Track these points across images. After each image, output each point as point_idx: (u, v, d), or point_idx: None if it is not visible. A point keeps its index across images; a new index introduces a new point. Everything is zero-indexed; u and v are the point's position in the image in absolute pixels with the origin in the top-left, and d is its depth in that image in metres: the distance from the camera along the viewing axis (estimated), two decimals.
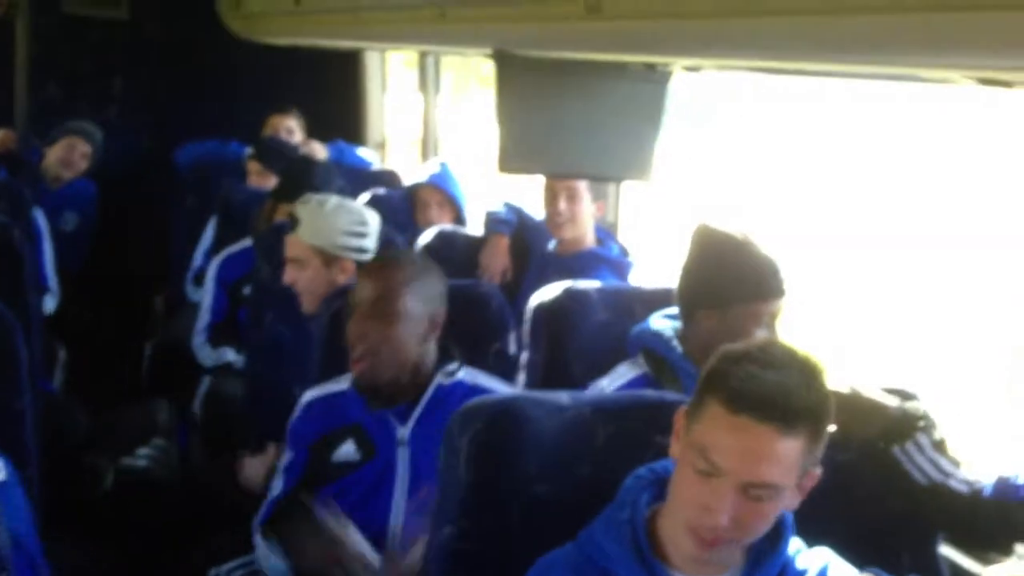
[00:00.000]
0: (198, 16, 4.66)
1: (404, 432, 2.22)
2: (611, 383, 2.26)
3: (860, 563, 1.94)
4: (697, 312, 2.17)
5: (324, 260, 2.82)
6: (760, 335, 2.07)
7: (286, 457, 2.30)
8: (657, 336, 2.24)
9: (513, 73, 2.31)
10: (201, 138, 4.78)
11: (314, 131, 4.64)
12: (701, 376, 1.52)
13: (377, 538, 2.18)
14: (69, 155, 4.61)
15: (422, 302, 2.23)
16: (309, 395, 2.31)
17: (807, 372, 1.45)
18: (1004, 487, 1.89)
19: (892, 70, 1.35)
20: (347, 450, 2.23)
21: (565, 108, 2.35)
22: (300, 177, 3.47)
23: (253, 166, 4.29)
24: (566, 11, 1.77)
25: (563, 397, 1.73)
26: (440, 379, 2.25)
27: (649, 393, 1.88)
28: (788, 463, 1.42)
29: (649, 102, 2.39)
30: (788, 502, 1.50)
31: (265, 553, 2.24)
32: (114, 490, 3.42)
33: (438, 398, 2.23)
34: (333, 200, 2.89)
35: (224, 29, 4.50)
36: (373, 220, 2.88)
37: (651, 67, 2.25)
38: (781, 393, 1.41)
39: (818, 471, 1.51)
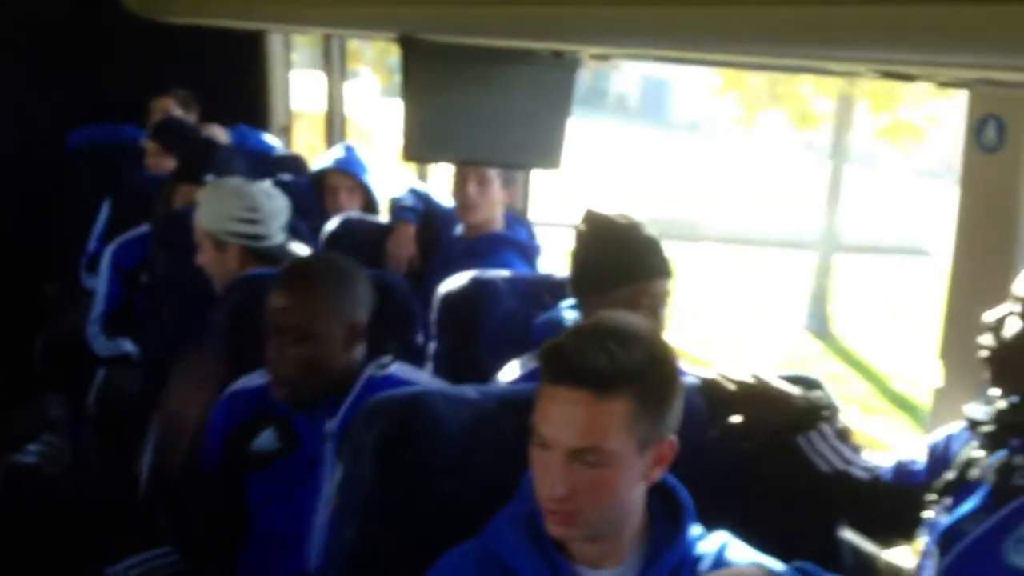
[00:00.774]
0: None
1: (331, 425, 2.15)
2: (510, 374, 2.25)
3: (764, 550, 1.97)
4: (587, 298, 2.19)
5: (215, 245, 2.74)
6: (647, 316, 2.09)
7: (204, 458, 2.23)
8: (556, 325, 2.23)
9: (420, 59, 2.27)
10: (96, 121, 4.60)
11: (215, 114, 4.50)
12: None
13: (300, 532, 2.12)
14: None
15: (344, 314, 2.14)
16: (235, 386, 2.23)
17: (628, 337, 1.45)
18: (902, 472, 1.93)
19: (799, 61, 1.35)
20: (266, 439, 2.16)
21: (472, 95, 2.32)
22: (202, 159, 3.36)
23: (151, 147, 4.14)
24: None
25: (469, 391, 1.71)
26: (371, 371, 2.19)
27: None
28: (613, 427, 1.42)
29: (557, 89, 2.38)
30: (641, 471, 1.48)
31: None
32: (3, 488, 3.28)
33: (368, 391, 2.13)
34: (230, 184, 2.80)
35: (120, 7, 4.33)
36: (270, 206, 2.78)
37: (559, 54, 2.23)
38: (593, 358, 1.42)
39: (672, 438, 1.51)
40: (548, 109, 2.45)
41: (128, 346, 3.41)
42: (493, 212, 3.14)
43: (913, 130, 9.40)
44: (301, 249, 2.85)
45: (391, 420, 1.61)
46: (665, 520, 1.57)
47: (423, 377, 2.28)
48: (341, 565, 1.62)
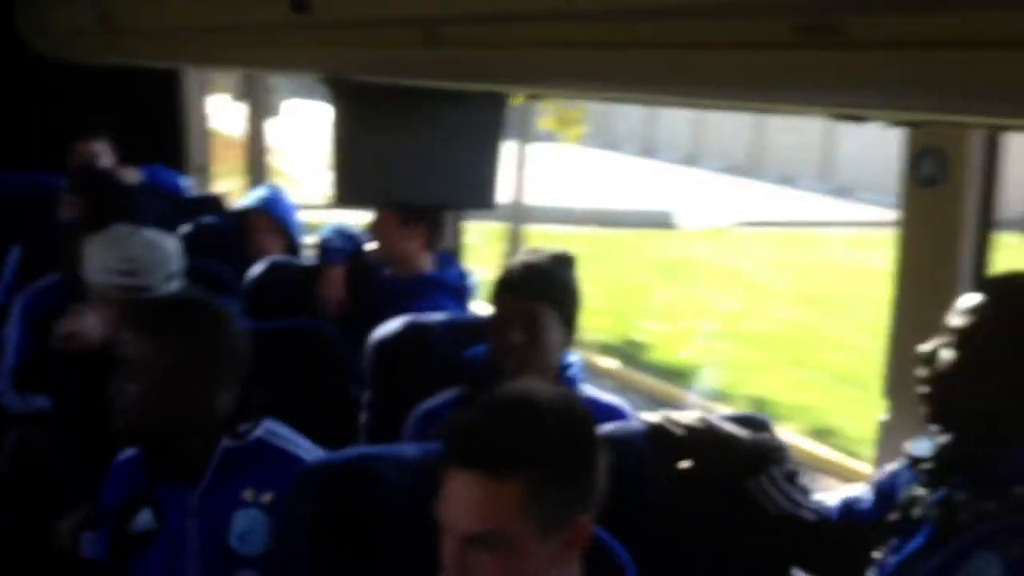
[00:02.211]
0: None
1: (193, 499, 1.98)
2: (429, 403, 2.24)
3: None
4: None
5: (99, 299, 2.62)
6: (517, 337, 2.11)
7: (92, 536, 2.10)
8: (475, 357, 2.25)
9: (348, 99, 2.21)
10: (3, 166, 4.42)
11: (129, 157, 4.36)
12: None
13: None
14: None
15: (206, 359, 1.96)
16: (121, 457, 2.08)
17: (530, 413, 1.39)
18: (849, 511, 1.92)
19: (750, 104, 1.32)
20: (145, 518, 2.01)
21: (402, 136, 2.27)
22: (106, 206, 3.23)
23: (69, 197, 3.99)
24: (405, 38, 1.68)
25: (407, 449, 1.64)
26: (226, 443, 1.98)
27: None
28: (506, 511, 1.35)
29: (486, 128, 2.34)
30: (547, 556, 1.39)
31: None
32: None
33: (227, 462, 1.98)
34: (110, 234, 2.67)
35: (27, 50, 4.19)
36: (150, 256, 2.63)
37: (488, 94, 2.19)
38: (487, 437, 1.36)
39: (584, 519, 1.42)
40: (478, 148, 2.42)
41: (41, 402, 3.25)
42: (398, 251, 3.07)
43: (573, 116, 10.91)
44: None
45: (330, 489, 1.52)
46: None
47: (296, 440, 2.05)
48: None
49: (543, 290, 2.16)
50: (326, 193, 2.34)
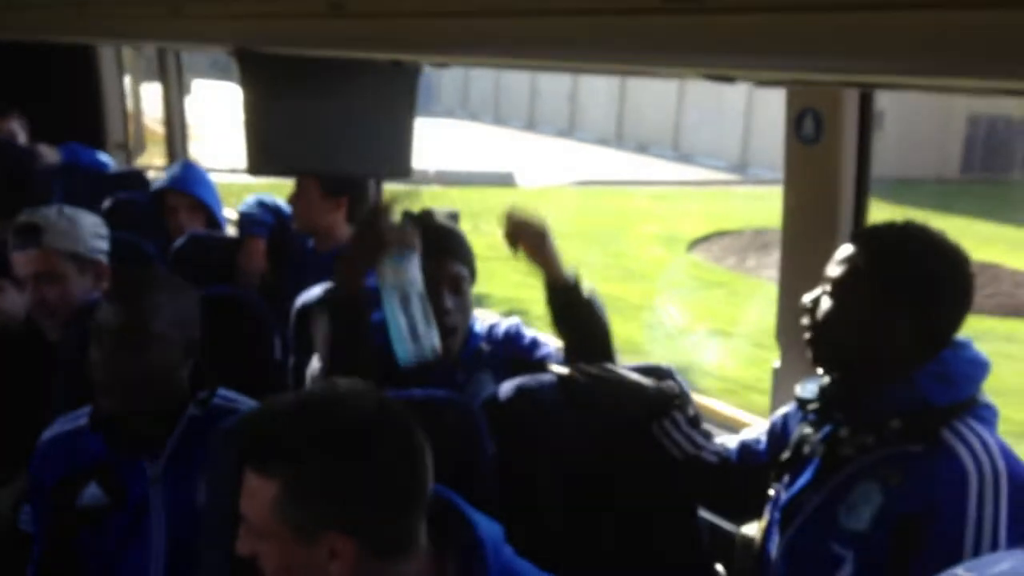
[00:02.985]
0: None
1: (155, 470, 2.03)
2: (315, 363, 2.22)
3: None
4: None
5: (79, 267, 2.62)
6: (449, 301, 2.11)
7: (32, 511, 2.10)
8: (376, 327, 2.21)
9: (257, 71, 2.24)
10: None
11: (47, 134, 4.30)
12: None
13: None
14: None
15: (177, 326, 2.02)
16: (48, 433, 2.09)
17: (298, 418, 1.36)
18: (746, 453, 2.02)
19: (628, 67, 1.40)
20: (92, 493, 2.03)
21: (314, 106, 2.30)
22: (16, 189, 3.21)
23: None
24: (308, 8, 1.73)
25: None
26: (192, 411, 2.04)
27: (416, 392, 1.86)
28: (260, 504, 1.35)
29: (398, 97, 2.38)
30: (314, 564, 1.35)
31: None
32: None
33: (192, 431, 2.03)
34: (34, 215, 2.68)
35: None
36: (78, 232, 2.65)
37: (398, 63, 2.24)
38: (258, 432, 1.37)
39: (343, 538, 1.34)
40: (391, 117, 2.45)
41: None
42: (320, 222, 3.10)
43: None
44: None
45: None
46: (464, 571, 1.42)
47: (247, 401, 2.13)
48: None
49: (463, 252, 2.18)
50: (238, 161, 2.36)
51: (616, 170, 19.01)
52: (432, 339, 1.99)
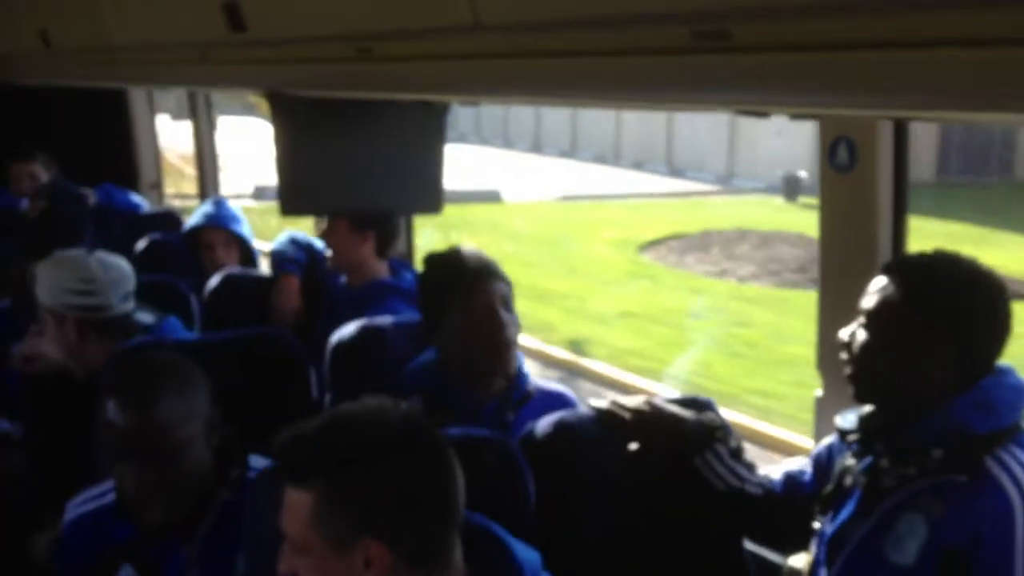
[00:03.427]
0: None
1: (191, 552, 1.98)
2: None
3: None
4: (440, 330, 2.21)
5: (56, 321, 2.64)
6: (509, 317, 2.15)
7: None
8: (427, 366, 2.26)
9: (289, 113, 2.26)
10: None
11: (79, 176, 4.36)
12: None
13: None
14: None
15: (191, 420, 1.97)
16: (74, 507, 2.06)
17: (341, 427, 1.40)
18: (791, 484, 2.00)
19: (661, 104, 1.40)
20: (125, 575, 2.00)
21: (344, 145, 2.32)
22: (46, 230, 3.26)
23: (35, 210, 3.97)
24: (337, 53, 1.74)
25: None
26: (225, 495, 1.99)
27: (452, 431, 1.84)
28: (299, 517, 1.39)
29: (426, 134, 2.39)
30: (344, 571, 1.38)
31: None
32: None
33: (225, 512, 1.99)
34: (65, 256, 2.70)
35: None
36: (106, 277, 2.66)
37: (427, 103, 2.25)
38: (291, 447, 1.40)
39: (377, 543, 1.38)
40: (420, 154, 2.47)
41: (5, 425, 3.26)
42: (352, 258, 3.12)
43: None
44: (146, 317, 2.73)
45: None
46: None
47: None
48: None
49: (502, 273, 2.24)
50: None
51: (609, 186, 20.07)
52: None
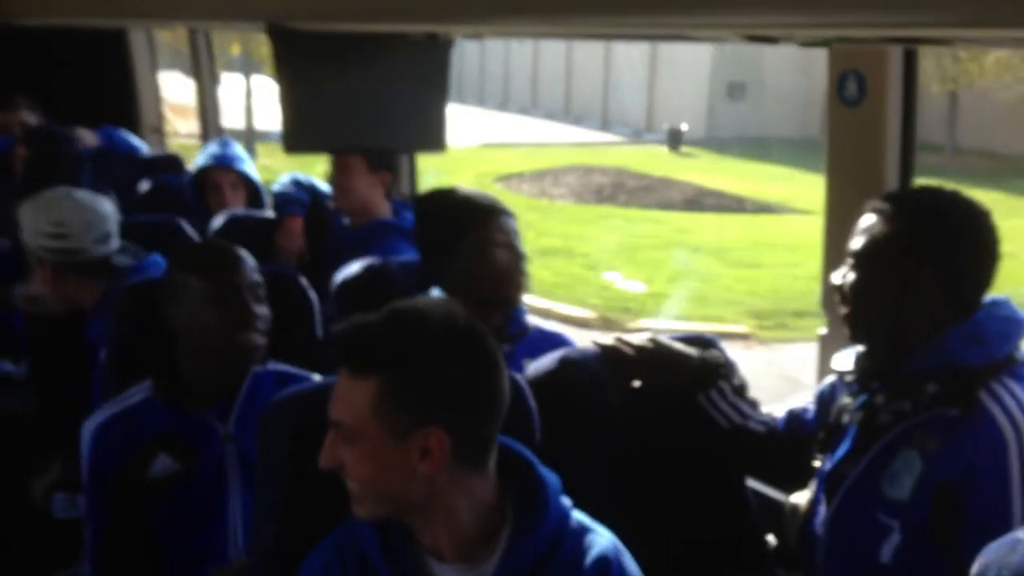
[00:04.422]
0: None
1: (227, 428, 2.11)
2: None
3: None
4: (444, 269, 2.22)
5: (37, 262, 2.67)
6: (502, 255, 2.17)
7: (87, 495, 2.12)
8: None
9: (291, 48, 2.23)
10: None
11: (80, 118, 4.33)
12: None
13: (221, 541, 2.08)
14: None
15: (242, 291, 2.12)
16: (96, 420, 2.12)
17: (403, 319, 1.43)
18: (794, 422, 2.01)
19: (666, 31, 1.38)
20: (163, 463, 2.08)
21: (347, 81, 2.30)
22: (44, 169, 3.25)
23: (22, 155, 3.96)
24: None
25: None
26: (256, 368, 2.14)
27: None
28: (358, 406, 1.40)
29: (432, 71, 2.37)
30: (404, 461, 1.41)
31: None
32: None
33: (254, 387, 2.12)
34: (41, 198, 2.68)
35: None
36: (80, 219, 2.66)
37: (432, 36, 2.22)
38: (354, 336, 1.42)
39: (437, 430, 1.41)
40: (425, 91, 2.44)
41: (8, 367, 3.28)
42: (364, 198, 3.11)
43: None
44: (123, 259, 2.73)
45: (300, 414, 1.60)
46: (524, 509, 1.48)
47: (295, 371, 2.22)
48: (266, 560, 1.61)
49: (506, 207, 2.27)
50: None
51: (528, 135, 23.01)
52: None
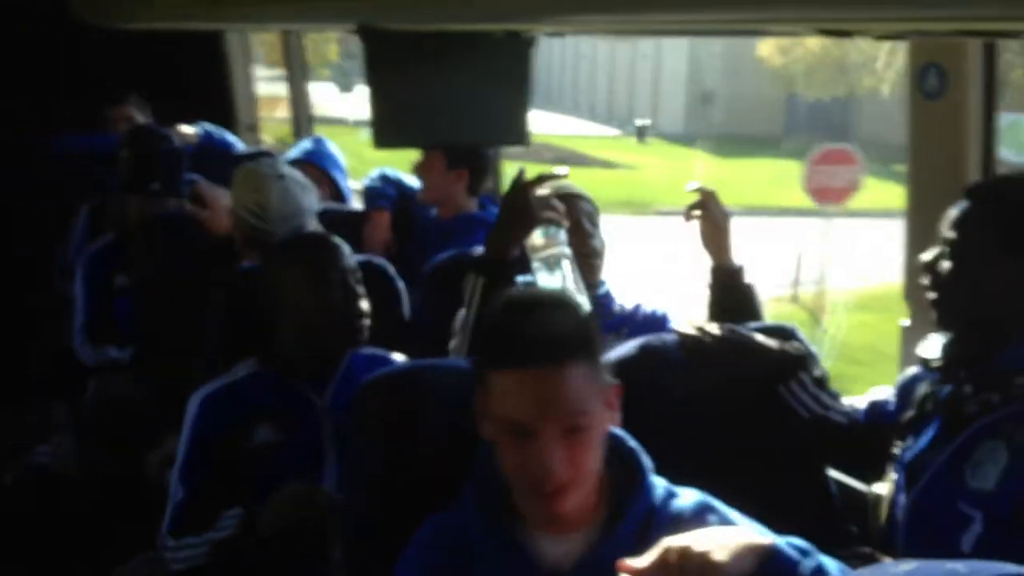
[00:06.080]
0: (41, 3, 4.43)
1: (323, 402, 2.24)
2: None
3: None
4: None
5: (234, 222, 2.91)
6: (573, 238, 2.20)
7: (180, 458, 2.25)
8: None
9: (380, 47, 2.30)
10: (56, 132, 4.57)
11: (181, 117, 4.49)
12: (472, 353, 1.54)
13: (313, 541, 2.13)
14: None
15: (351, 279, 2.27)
16: (201, 394, 2.26)
17: (553, 303, 1.49)
18: (875, 412, 2.00)
19: (743, 25, 1.40)
20: (264, 433, 2.22)
21: (434, 78, 2.36)
22: (144, 166, 3.40)
23: (126, 155, 4.12)
24: None
25: (462, 362, 1.75)
26: (354, 348, 2.27)
27: None
28: (584, 391, 1.42)
29: (515, 68, 2.41)
30: (607, 422, 1.49)
31: (183, 555, 2.19)
32: (14, 487, 3.35)
33: (351, 366, 2.25)
34: (256, 173, 2.86)
35: (73, 16, 4.30)
36: (282, 209, 2.82)
37: (514, 34, 2.27)
38: (545, 332, 1.42)
39: (615, 382, 1.52)
40: (508, 87, 2.48)
41: (114, 352, 3.44)
42: (445, 193, 3.19)
43: None
44: None
45: (393, 393, 1.66)
46: (622, 474, 1.52)
47: (386, 353, 2.35)
48: (356, 534, 1.67)
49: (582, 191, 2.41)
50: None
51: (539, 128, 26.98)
52: (583, 303, 2.06)
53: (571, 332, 1.43)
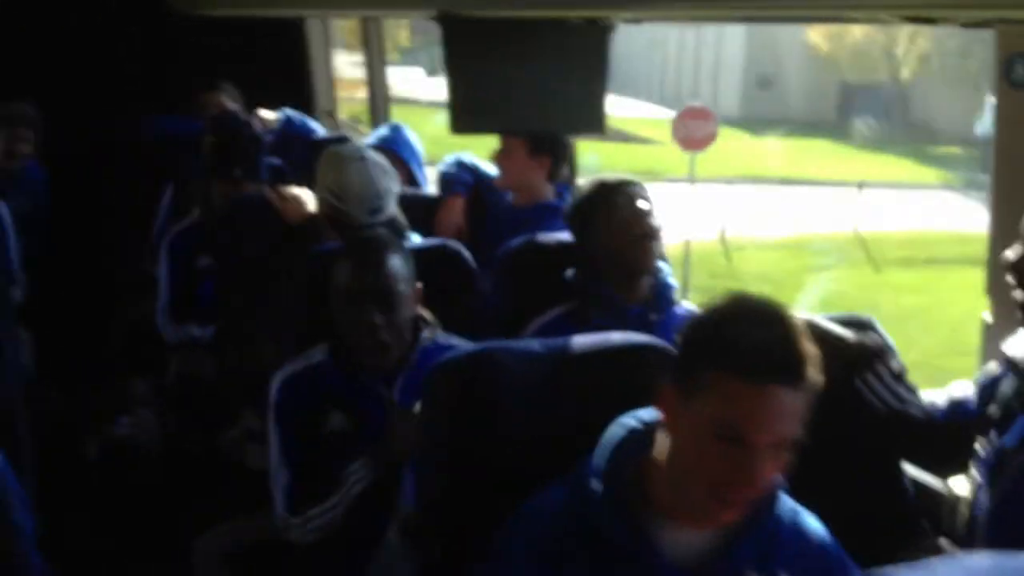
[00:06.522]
0: None
1: (393, 395, 2.27)
2: (541, 319, 2.45)
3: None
4: (583, 237, 2.46)
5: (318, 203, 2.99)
6: (632, 226, 2.38)
7: (276, 441, 2.29)
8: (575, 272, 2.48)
9: (459, 34, 2.32)
10: (146, 116, 4.69)
11: (260, 104, 4.58)
12: (685, 343, 1.48)
13: (384, 504, 2.18)
14: (11, 146, 4.51)
15: (409, 282, 2.28)
16: (284, 372, 2.31)
17: (791, 323, 1.42)
18: (955, 409, 1.96)
19: (825, 12, 1.38)
20: (337, 421, 2.26)
21: (512, 65, 2.36)
22: (226, 151, 3.49)
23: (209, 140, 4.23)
24: None
25: (535, 345, 1.75)
26: (425, 342, 2.30)
27: (615, 336, 1.87)
28: (801, 413, 1.41)
29: (592, 55, 2.41)
30: None
31: (316, 524, 2.24)
32: (99, 459, 3.46)
33: (422, 359, 2.27)
34: (339, 155, 2.93)
35: (161, 3, 4.41)
36: (361, 192, 2.86)
37: (592, 21, 2.27)
38: (794, 352, 1.39)
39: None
40: (585, 75, 2.48)
41: (196, 331, 3.52)
42: (524, 180, 3.20)
43: None
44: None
45: (464, 375, 1.66)
46: None
47: (459, 341, 2.36)
48: (427, 512, 1.70)
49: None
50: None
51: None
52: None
53: (810, 355, 1.40)
